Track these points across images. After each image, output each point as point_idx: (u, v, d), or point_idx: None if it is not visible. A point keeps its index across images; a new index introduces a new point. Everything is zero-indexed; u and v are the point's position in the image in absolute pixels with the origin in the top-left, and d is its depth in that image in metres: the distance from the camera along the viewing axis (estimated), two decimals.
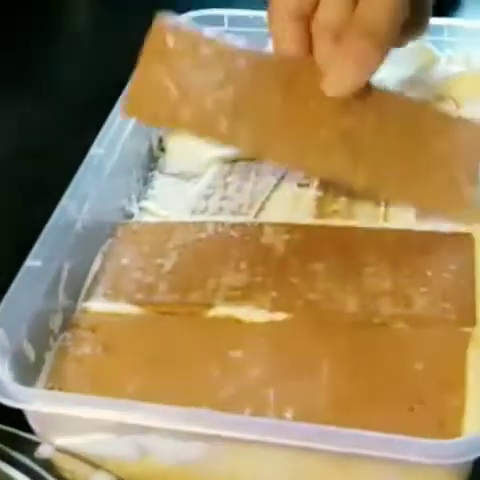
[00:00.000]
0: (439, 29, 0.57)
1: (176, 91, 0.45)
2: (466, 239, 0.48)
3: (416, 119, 0.47)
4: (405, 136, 0.46)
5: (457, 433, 0.39)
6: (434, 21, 0.57)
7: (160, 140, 0.58)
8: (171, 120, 0.47)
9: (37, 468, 0.40)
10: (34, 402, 0.40)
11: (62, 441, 0.41)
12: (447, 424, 0.39)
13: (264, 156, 0.50)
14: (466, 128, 0.47)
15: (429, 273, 0.46)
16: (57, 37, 0.74)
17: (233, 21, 0.61)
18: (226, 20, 0.61)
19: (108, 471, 0.39)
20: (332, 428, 0.38)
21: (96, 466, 0.39)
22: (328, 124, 0.46)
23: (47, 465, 0.40)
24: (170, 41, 0.45)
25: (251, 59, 0.46)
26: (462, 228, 0.48)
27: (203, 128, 0.46)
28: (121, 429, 0.40)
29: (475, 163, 0.47)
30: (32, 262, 0.45)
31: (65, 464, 0.40)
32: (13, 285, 0.44)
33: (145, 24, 0.60)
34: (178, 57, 0.46)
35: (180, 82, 0.45)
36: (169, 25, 0.46)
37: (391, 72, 0.57)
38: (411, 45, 0.51)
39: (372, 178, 0.47)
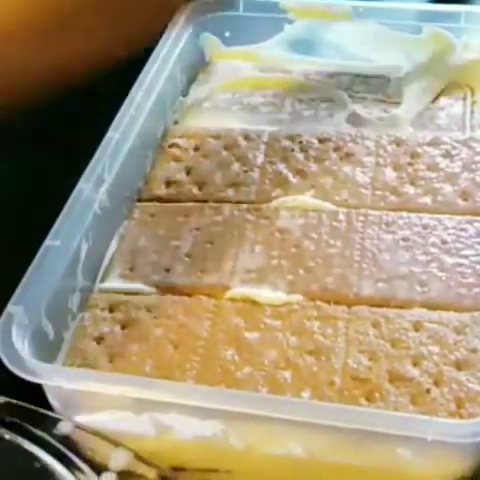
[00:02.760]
0: (456, 16, 0.57)
1: None
2: None
3: None
4: None
5: (474, 414, 0.39)
6: (451, 8, 0.57)
7: (175, 123, 0.58)
8: None
9: (57, 444, 0.40)
10: (56, 378, 0.40)
11: (82, 418, 0.41)
12: (464, 405, 0.40)
13: None
14: None
15: (445, 258, 0.47)
16: None
17: (248, 6, 0.61)
18: (241, 5, 0.61)
19: (127, 448, 0.40)
20: (349, 406, 0.38)
21: (116, 443, 0.40)
22: None
23: (67, 442, 0.41)
24: None
25: None
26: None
27: None
28: (140, 406, 0.40)
29: None
30: (51, 242, 0.45)
31: (85, 441, 0.40)
32: (33, 264, 0.44)
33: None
34: None
35: None
36: None
37: (407, 59, 0.58)
38: (427, 31, 0.51)
39: None
